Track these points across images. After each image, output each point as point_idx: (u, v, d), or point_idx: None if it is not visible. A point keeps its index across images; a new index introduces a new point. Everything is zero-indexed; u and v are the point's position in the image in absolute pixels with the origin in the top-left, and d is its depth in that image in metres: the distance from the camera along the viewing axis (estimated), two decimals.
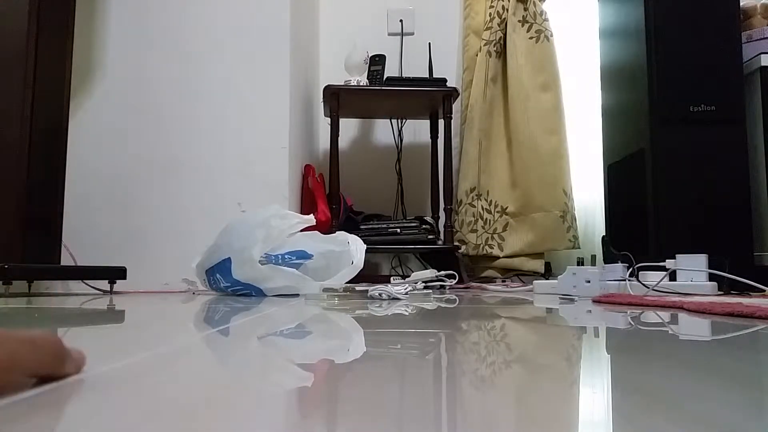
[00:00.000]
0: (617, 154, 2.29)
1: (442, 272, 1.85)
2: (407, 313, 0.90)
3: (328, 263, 1.52)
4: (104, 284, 1.65)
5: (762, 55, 2.02)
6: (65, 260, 1.71)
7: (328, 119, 2.37)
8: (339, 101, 2.29)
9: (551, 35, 2.66)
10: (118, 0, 2.01)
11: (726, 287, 1.51)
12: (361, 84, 2.35)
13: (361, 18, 2.81)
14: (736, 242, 1.92)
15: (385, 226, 2.31)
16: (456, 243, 2.42)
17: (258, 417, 0.27)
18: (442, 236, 2.36)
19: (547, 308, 1.06)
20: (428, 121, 2.65)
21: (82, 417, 0.27)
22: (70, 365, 0.35)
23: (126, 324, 0.80)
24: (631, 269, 1.43)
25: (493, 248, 2.59)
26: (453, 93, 2.35)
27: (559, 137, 2.60)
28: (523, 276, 2.55)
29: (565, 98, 2.65)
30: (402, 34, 2.69)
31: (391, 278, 1.90)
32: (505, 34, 2.67)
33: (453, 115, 2.42)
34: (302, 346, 0.56)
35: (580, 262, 2.63)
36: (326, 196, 2.29)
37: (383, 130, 2.81)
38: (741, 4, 2.06)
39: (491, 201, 2.63)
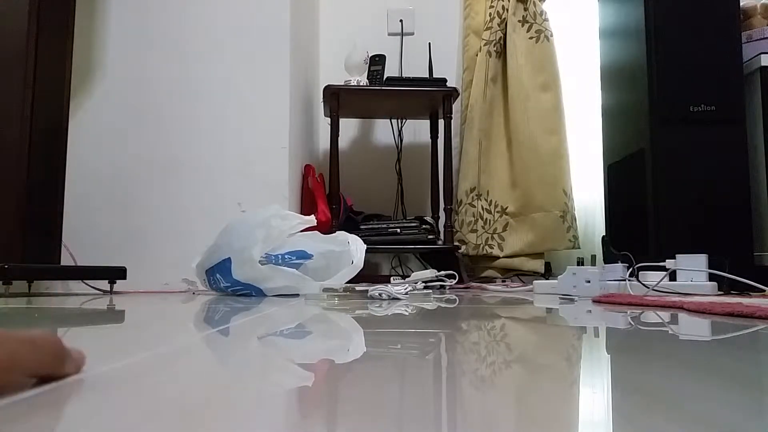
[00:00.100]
0: (617, 154, 2.29)
1: (442, 272, 1.85)
2: (407, 313, 0.90)
3: (328, 263, 1.52)
4: (104, 284, 1.65)
5: (762, 55, 2.02)
6: (65, 260, 1.71)
7: (328, 119, 2.37)
8: (339, 101, 2.29)
9: (551, 35, 2.66)
10: (118, 0, 2.01)
11: (726, 287, 1.50)
12: (361, 84, 2.35)
13: (361, 18, 2.81)
14: (736, 242, 1.92)
15: (385, 226, 2.31)
16: (456, 243, 2.42)
17: (258, 417, 0.27)
18: (442, 236, 2.36)
19: (547, 308, 1.06)
20: (428, 121, 2.65)
21: (82, 417, 0.27)
22: (70, 365, 0.35)
23: (126, 324, 0.80)
24: (631, 269, 1.43)
25: (493, 248, 2.59)
26: (453, 93, 2.35)
27: (559, 137, 2.60)
28: (523, 276, 2.55)
29: (565, 98, 2.65)
30: (402, 34, 2.69)
31: (391, 278, 1.90)
32: (505, 34, 2.67)
33: (453, 115, 2.42)
34: (302, 346, 0.56)
35: (580, 262, 2.63)
36: (326, 196, 2.29)
37: (383, 130, 2.81)
38: (741, 4, 2.06)
39: (491, 201, 2.63)
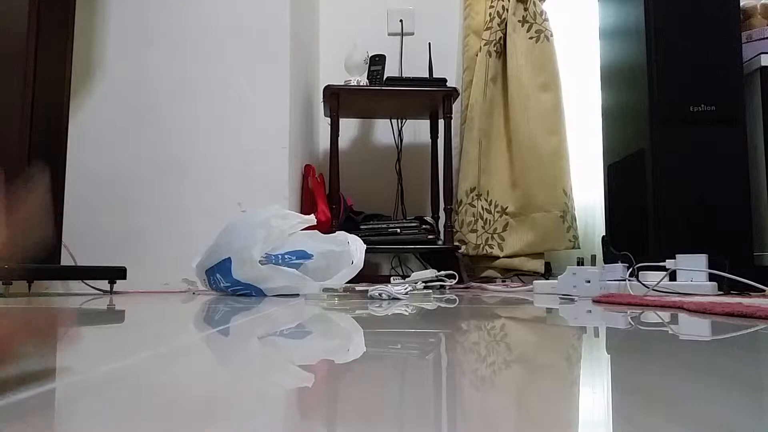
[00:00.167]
0: (617, 154, 2.29)
1: (442, 272, 1.85)
2: (407, 313, 0.90)
3: (328, 263, 1.52)
4: (104, 284, 1.65)
5: (762, 55, 2.02)
6: (65, 260, 1.71)
7: (328, 119, 2.37)
8: (339, 101, 2.29)
9: (551, 35, 2.66)
10: (119, 0, 2.01)
11: (726, 287, 1.50)
12: (361, 84, 2.35)
13: (361, 18, 2.81)
14: (736, 242, 1.92)
15: (385, 226, 2.31)
16: (456, 243, 2.42)
17: (258, 417, 0.27)
18: (442, 236, 2.36)
19: (547, 308, 1.06)
20: (428, 121, 2.65)
21: (82, 417, 0.27)
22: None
23: (126, 324, 0.80)
24: (631, 269, 1.43)
25: (493, 248, 2.59)
26: (453, 93, 2.35)
27: (559, 137, 2.60)
28: (523, 276, 2.55)
29: (565, 98, 2.65)
30: (402, 34, 2.69)
31: (391, 278, 1.90)
32: (505, 34, 2.67)
33: (453, 115, 2.42)
34: (302, 346, 0.56)
35: (580, 262, 2.63)
36: (326, 196, 2.29)
37: (383, 130, 2.81)
38: (741, 4, 2.06)
39: (491, 201, 2.63)
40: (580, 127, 2.73)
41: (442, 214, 2.41)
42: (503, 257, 2.58)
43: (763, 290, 1.46)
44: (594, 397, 0.33)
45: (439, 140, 2.52)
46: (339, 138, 2.31)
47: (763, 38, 2.08)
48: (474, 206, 2.62)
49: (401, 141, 2.76)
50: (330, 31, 2.82)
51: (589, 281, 1.43)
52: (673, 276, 1.44)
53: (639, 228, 2.08)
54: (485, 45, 2.67)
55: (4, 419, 0.26)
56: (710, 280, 1.44)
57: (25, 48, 1.48)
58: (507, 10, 2.67)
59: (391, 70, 2.49)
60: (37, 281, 1.72)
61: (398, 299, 1.25)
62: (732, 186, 1.95)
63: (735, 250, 1.88)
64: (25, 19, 1.48)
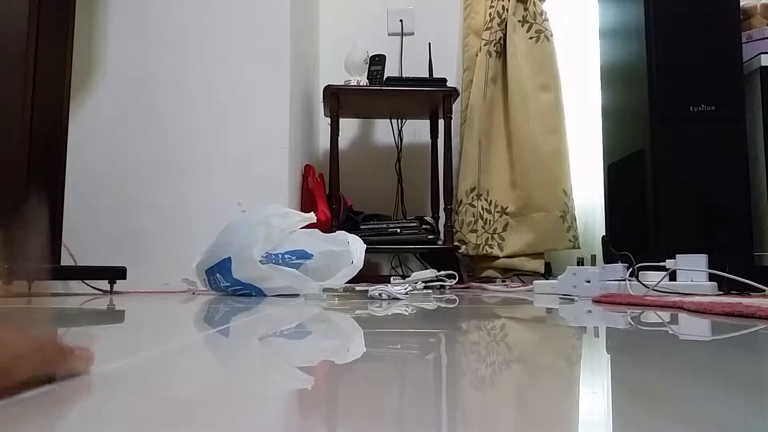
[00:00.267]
0: (617, 154, 2.29)
1: (442, 272, 1.85)
2: (407, 313, 0.90)
3: (328, 263, 1.52)
4: (104, 284, 1.65)
5: (762, 55, 2.02)
6: (65, 260, 1.71)
7: (328, 119, 2.37)
8: (339, 101, 2.29)
9: (551, 35, 2.66)
10: (119, 0, 2.01)
11: (726, 287, 1.50)
12: (361, 84, 2.35)
13: (361, 18, 2.81)
14: (736, 242, 1.92)
15: (385, 226, 2.31)
16: (456, 243, 2.42)
17: (258, 417, 0.28)
18: (442, 236, 2.36)
19: (547, 308, 1.06)
20: (428, 121, 2.65)
21: (82, 417, 0.27)
22: (78, 363, 0.35)
23: (126, 324, 0.80)
24: (631, 269, 1.43)
25: (493, 248, 2.59)
26: (453, 93, 2.35)
27: (559, 137, 2.60)
28: (523, 276, 2.55)
29: (565, 98, 2.65)
30: (402, 34, 2.69)
31: (391, 278, 1.90)
32: (505, 34, 2.67)
33: (453, 115, 2.42)
34: (302, 346, 0.56)
35: (580, 262, 2.63)
36: (326, 196, 2.29)
37: (383, 130, 2.81)
38: (741, 4, 2.06)
39: (491, 201, 2.63)
40: (580, 127, 2.73)
41: (442, 214, 2.41)
42: (503, 257, 2.58)
43: (763, 290, 1.46)
44: (594, 397, 0.33)
45: (439, 140, 2.52)
46: (339, 138, 2.31)
47: (763, 38, 2.08)
48: (474, 206, 2.62)
49: (401, 141, 2.76)
50: (330, 31, 2.82)
51: (589, 281, 1.43)
52: (673, 276, 1.44)
53: (639, 228, 2.08)
54: (485, 45, 2.67)
55: (5, 419, 0.26)
56: (710, 280, 1.44)
57: (25, 48, 1.48)
58: (507, 10, 2.67)
59: (391, 70, 2.49)
60: (37, 281, 1.71)
61: (398, 299, 1.25)
62: (732, 186, 1.95)
63: (735, 250, 1.88)
64: (25, 19, 1.48)
